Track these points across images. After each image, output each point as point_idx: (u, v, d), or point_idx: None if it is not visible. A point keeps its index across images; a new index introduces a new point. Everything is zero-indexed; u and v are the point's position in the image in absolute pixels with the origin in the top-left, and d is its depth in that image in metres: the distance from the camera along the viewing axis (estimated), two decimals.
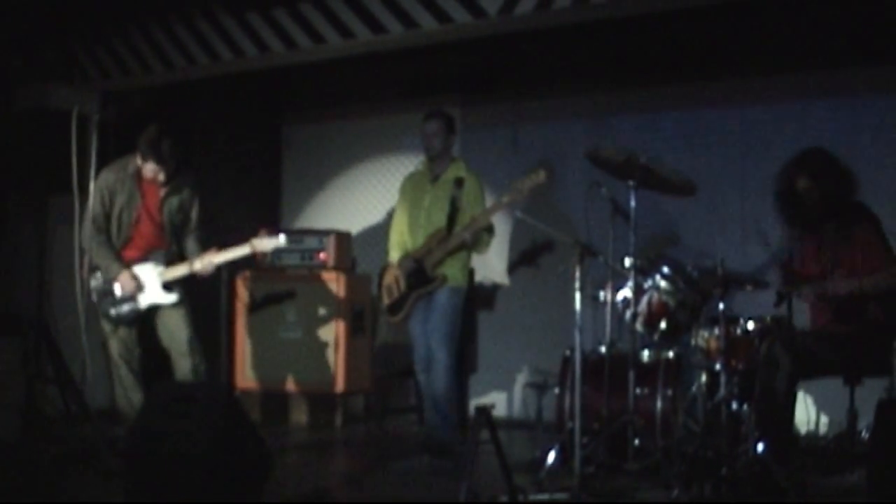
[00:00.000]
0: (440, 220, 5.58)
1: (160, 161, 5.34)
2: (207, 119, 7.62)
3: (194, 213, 5.61)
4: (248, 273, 6.96)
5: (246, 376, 6.92)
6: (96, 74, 6.99)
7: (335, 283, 6.81)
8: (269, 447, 4.16)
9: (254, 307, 6.90)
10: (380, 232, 7.71)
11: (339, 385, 6.71)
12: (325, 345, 6.74)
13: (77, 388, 5.40)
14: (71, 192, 4.93)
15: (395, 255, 5.78)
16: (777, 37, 6.09)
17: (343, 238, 7.10)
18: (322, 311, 6.79)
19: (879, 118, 6.01)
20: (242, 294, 6.95)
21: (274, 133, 8.29)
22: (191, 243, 5.60)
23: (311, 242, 6.93)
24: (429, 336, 5.56)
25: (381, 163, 7.78)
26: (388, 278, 5.74)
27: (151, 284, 5.44)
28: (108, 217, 5.46)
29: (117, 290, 5.43)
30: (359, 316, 6.93)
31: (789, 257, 5.01)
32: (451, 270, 5.55)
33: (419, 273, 5.55)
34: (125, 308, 5.44)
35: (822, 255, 4.83)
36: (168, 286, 5.46)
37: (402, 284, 5.62)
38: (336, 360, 6.71)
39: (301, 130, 8.23)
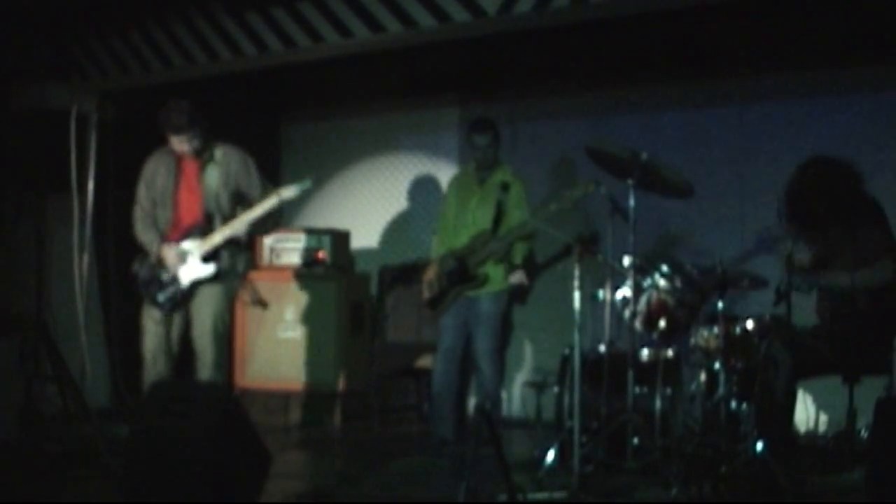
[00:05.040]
0: (486, 221, 5.77)
1: (175, 131, 5.33)
2: (206, 118, 7.62)
3: (252, 183, 5.52)
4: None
5: (245, 375, 6.92)
6: (95, 73, 6.99)
7: (334, 282, 6.81)
8: (267, 447, 4.15)
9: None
10: (379, 231, 7.72)
11: (338, 384, 6.71)
12: (323, 344, 6.74)
13: (76, 388, 5.39)
14: (69, 192, 4.92)
15: (439, 252, 5.95)
16: (776, 36, 6.08)
17: (342, 237, 7.10)
18: (321, 311, 6.78)
19: (879, 117, 6.00)
20: (242, 292, 6.94)
21: (273, 132, 8.28)
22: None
23: (309, 241, 6.93)
24: (475, 349, 5.78)
25: (380, 162, 7.78)
26: (430, 274, 5.90)
27: (191, 259, 5.41)
28: (154, 202, 5.49)
29: (162, 273, 5.42)
30: (358, 315, 6.93)
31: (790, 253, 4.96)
32: (494, 271, 5.74)
33: (461, 271, 5.74)
34: (171, 290, 5.42)
35: (824, 246, 4.81)
36: (206, 259, 5.40)
37: (444, 281, 5.76)
38: (335, 359, 6.71)
39: (300, 129, 8.23)
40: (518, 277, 5.80)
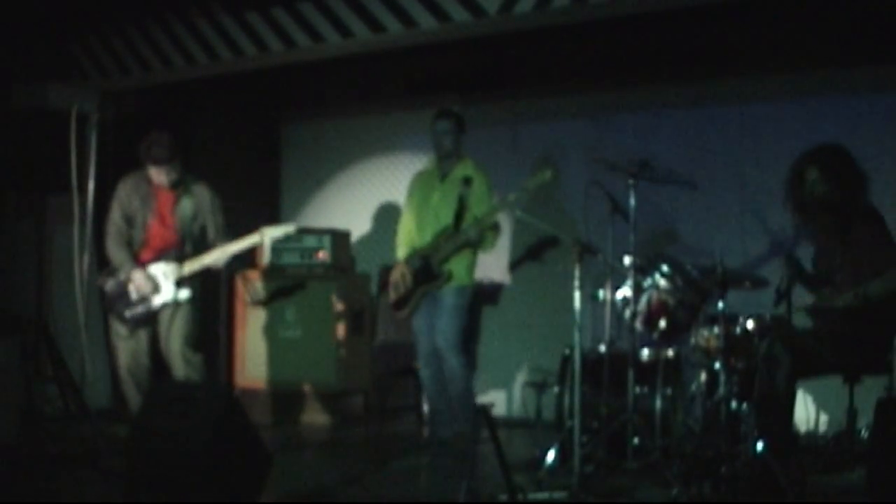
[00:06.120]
0: (448, 217, 5.65)
1: (156, 163, 5.47)
2: (206, 118, 7.62)
3: (215, 222, 5.69)
4: (247, 272, 6.96)
5: (245, 375, 6.92)
6: (95, 73, 6.99)
7: (334, 282, 6.80)
8: (268, 446, 4.15)
9: (266, 301, 6.89)
10: (379, 231, 7.71)
11: (339, 384, 6.71)
12: (324, 344, 6.73)
13: (76, 388, 5.40)
14: (70, 192, 4.93)
15: (402, 252, 5.86)
16: (776, 35, 6.08)
17: (342, 237, 7.09)
18: (321, 311, 6.78)
19: (879, 117, 6.00)
20: (242, 292, 6.95)
21: (273, 132, 8.28)
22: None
23: (310, 241, 6.92)
24: (437, 340, 5.65)
25: (380, 162, 7.77)
26: (395, 274, 5.80)
27: (164, 282, 5.51)
28: (129, 221, 5.59)
29: (132, 291, 5.52)
30: (358, 315, 6.93)
31: (790, 251, 4.96)
32: (457, 268, 5.63)
33: (426, 269, 5.64)
34: (140, 309, 5.52)
35: (828, 251, 4.81)
36: (180, 283, 5.53)
37: (409, 280, 5.68)
38: (335, 359, 6.71)
39: (300, 129, 8.23)
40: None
